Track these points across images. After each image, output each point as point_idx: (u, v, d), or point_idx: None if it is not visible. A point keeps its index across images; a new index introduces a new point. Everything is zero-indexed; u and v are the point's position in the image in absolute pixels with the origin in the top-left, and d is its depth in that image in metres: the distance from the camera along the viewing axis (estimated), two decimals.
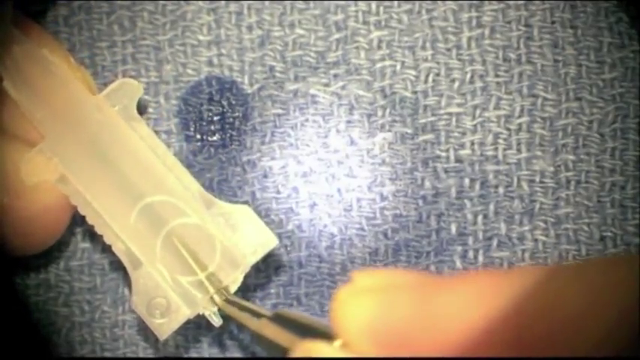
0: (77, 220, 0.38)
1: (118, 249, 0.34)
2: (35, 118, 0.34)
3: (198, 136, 0.38)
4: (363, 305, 0.24)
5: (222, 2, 0.39)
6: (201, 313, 0.34)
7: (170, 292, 0.34)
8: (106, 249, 0.38)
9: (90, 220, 0.35)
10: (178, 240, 0.34)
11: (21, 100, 0.34)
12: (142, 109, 0.38)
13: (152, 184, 0.34)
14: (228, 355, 0.37)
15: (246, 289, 0.37)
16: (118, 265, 0.38)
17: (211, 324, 0.37)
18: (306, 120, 0.38)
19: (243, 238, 0.34)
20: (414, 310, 0.23)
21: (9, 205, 0.34)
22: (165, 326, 0.34)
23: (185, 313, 0.34)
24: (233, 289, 0.34)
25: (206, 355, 0.37)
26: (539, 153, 0.38)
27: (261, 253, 0.34)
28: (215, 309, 0.34)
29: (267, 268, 0.37)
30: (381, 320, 0.23)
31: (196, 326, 0.37)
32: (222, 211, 0.34)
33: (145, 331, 0.37)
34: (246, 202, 0.38)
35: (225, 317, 0.34)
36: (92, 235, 0.38)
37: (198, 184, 0.35)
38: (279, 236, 0.37)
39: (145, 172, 0.35)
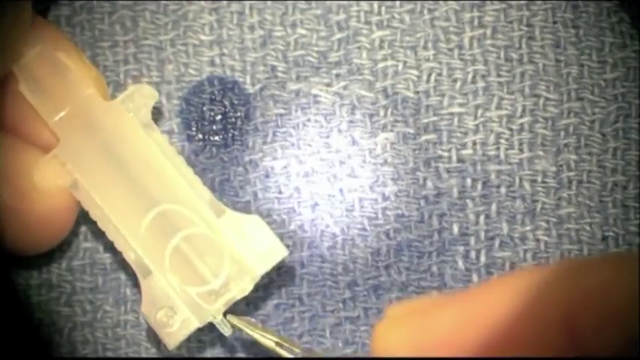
0: (79, 219, 0.38)
1: (128, 257, 0.34)
2: (50, 124, 0.34)
3: (200, 136, 0.38)
4: (403, 332, 0.25)
5: (224, 2, 0.39)
6: (211, 322, 0.34)
7: (179, 302, 0.34)
8: (109, 249, 0.38)
9: (101, 227, 0.35)
10: (188, 249, 0.34)
11: (36, 104, 0.34)
12: (156, 115, 0.38)
13: (164, 192, 0.34)
14: (229, 355, 0.37)
15: None
16: (119, 265, 0.38)
17: (212, 324, 0.37)
18: (308, 120, 0.38)
19: (252, 248, 0.34)
20: (451, 322, 0.24)
21: (14, 205, 0.34)
22: (174, 336, 0.34)
23: (194, 324, 0.34)
24: (241, 296, 0.34)
25: (208, 355, 0.37)
26: (541, 153, 0.38)
27: (271, 263, 0.34)
28: (223, 318, 0.34)
29: None
30: (424, 338, 0.24)
31: None
32: (233, 220, 0.34)
33: (147, 331, 0.37)
34: (247, 202, 0.38)
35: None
36: (94, 235, 0.38)
37: (209, 192, 0.35)
38: (281, 236, 0.37)
39: (158, 179, 0.34)
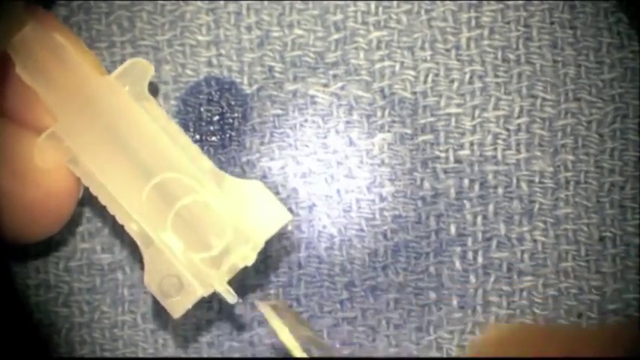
0: (77, 220, 0.38)
1: (130, 228, 0.34)
2: (47, 102, 0.35)
3: (198, 137, 0.38)
4: None
5: (221, 2, 0.39)
6: (215, 291, 0.34)
7: (183, 269, 0.33)
8: (106, 249, 0.38)
9: (102, 201, 0.35)
10: (189, 217, 0.34)
11: (33, 85, 0.34)
12: (153, 88, 0.37)
13: (163, 162, 0.34)
14: (227, 355, 0.37)
15: (246, 290, 0.37)
16: (117, 266, 0.38)
17: (210, 325, 0.37)
18: (306, 120, 0.38)
19: (255, 213, 0.34)
20: None
21: (16, 189, 0.34)
22: (178, 305, 0.33)
23: (198, 292, 0.33)
24: (247, 264, 0.33)
25: (205, 355, 0.37)
26: (538, 153, 0.38)
27: (274, 228, 0.34)
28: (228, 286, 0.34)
29: (266, 269, 0.37)
30: None
31: (195, 327, 0.37)
32: (234, 186, 0.34)
33: (144, 331, 0.38)
34: None
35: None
36: (92, 236, 0.38)
37: (209, 161, 0.34)
38: (279, 236, 0.37)
39: (156, 150, 0.34)
